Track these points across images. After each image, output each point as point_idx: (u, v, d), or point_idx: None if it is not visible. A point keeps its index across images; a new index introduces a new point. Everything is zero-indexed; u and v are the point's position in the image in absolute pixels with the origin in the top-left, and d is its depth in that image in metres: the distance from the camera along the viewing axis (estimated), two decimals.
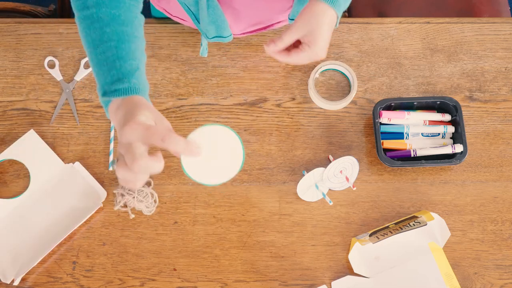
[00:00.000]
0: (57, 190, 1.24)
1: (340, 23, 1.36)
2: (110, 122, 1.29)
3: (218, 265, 1.21)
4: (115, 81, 0.88)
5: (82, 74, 1.32)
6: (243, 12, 1.18)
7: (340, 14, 1.01)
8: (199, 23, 1.20)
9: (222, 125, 0.83)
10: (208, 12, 1.14)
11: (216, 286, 1.20)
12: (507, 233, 1.24)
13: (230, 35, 1.25)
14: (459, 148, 1.24)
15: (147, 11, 1.26)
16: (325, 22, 0.99)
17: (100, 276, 1.21)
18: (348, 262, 1.21)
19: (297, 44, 1.05)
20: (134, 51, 0.92)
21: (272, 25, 1.31)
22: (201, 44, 1.28)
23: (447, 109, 1.29)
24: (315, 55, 1.01)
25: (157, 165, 0.78)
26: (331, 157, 1.27)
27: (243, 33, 1.30)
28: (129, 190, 1.20)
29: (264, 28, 1.30)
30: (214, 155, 0.83)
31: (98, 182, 1.25)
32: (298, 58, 1.02)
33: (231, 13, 1.19)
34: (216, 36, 1.24)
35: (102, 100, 0.90)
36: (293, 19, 1.17)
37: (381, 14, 1.71)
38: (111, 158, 1.26)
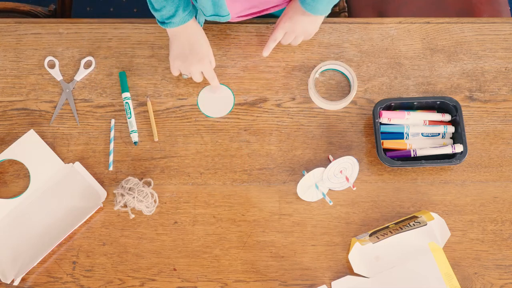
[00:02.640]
0: (57, 190, 1.24)
1: (340, 23, 1.36)
2: (110, 122, 1.29)
3: (218, 265, 1.21)
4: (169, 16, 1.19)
5: (82, 74, 1.32)
6: None
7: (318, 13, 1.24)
8: (196, 0, 1.21)
9: (223, 84, 1.32)
10: None
11: (216, 286, 1.20)
12: (507, 233, 1.24)
13: (228, 14, 1.25)
14: (459, 148, 1.24)
15: (145, 4, 1.26)
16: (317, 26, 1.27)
17: (100, 276, 1.21)
18: (348, 262, 1.21)
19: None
20: None
21: (268, 9, 1.32)
22: (198, 21, 1.28)
23: (447, 109, 1.29)
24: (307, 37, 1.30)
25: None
26: (331, 157, 1.27)
27: (239, 17, 1.31)
28: (129, 190, 1.20)
29: (260, 12, 1.31)
30: (216, 99, 1.31)
31: (98, 182, 1.25)
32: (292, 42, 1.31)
33: None
34: (214, 15, 1.25)
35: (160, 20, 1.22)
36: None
37: (381, 14, 1.71)
38: (111, 158, 1.27)
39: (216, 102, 1.30)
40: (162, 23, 1.21)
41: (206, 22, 1.34)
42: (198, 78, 1.27)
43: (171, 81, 1.32)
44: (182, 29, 1.21)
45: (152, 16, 1.44)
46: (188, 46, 1.24)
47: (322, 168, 1.22)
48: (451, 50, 1.35)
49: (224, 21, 1.29)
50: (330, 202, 1.22)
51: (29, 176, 1.25)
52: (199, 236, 1.23)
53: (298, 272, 1.21)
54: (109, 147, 1.27)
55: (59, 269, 1.21)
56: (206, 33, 1.33)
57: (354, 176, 1.24)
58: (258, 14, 1.33)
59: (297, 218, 1.24)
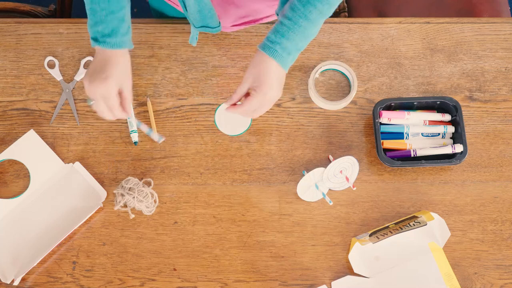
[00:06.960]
0: (57, 190, 1.24)
1: (340, 23, 1.36)
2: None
3: (218, 265, 1.21)
4: (102, 35, 1.10)
5: (82, 74, 1.32)
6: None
7: (287, 69, 1.10)
8: (186, 10, 1.21)
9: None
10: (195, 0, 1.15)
11: (216, 286, 1.20)
12: (507, 233, 1.24)
13: (218, 26, 1.24)
14: (459, 148, 1.24)
15: (145, 4, 1.26)
16: (273, 76, 1.09)
17: (100, 276, 1.21)
18: (348, 262, 1.21)
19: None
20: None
21: (261, 18, 1.31)
22: (191, 32, 1.28)
23: (447, 109, 1.29)
24: (263, 96, 1.09)
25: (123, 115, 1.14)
26: (331, 157, 1.27)
27: (233, 26, 1.30)
28: (129, 190, 1.20)
29: (254, 21, 1.30)
30: (234, 117, 1.22)
31: (98, 182, 1.25)
32: (250, 105, 1.10)
33: (218, 3, 1.19)
34: (203, 26, 1.24)
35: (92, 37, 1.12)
36: (278, 14, 1.18)
37: (381, 14, 1.71)
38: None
39: (233, 119, 1.25)
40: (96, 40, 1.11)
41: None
42: (101, 109, 1.10)
43: (171, 81, 1.32)
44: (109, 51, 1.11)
45: (152, 17, 1.44)
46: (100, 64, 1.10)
47: (322, 168, 1.22)
48: (451, 50, 1.35)
49: (215, 32, 1.28)
50: (330, 202, 1.22)
51: (29, 176, 1.25)
52: (199, 236, 1.23)
53: (298, 272, 1.21)
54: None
55: (59, 269, 1.21)
56: (205, 35, 1.33)
57: (354, 176, 1.24)
58: (253, 23, 1.33)
59: (297, 218, 1.24)
